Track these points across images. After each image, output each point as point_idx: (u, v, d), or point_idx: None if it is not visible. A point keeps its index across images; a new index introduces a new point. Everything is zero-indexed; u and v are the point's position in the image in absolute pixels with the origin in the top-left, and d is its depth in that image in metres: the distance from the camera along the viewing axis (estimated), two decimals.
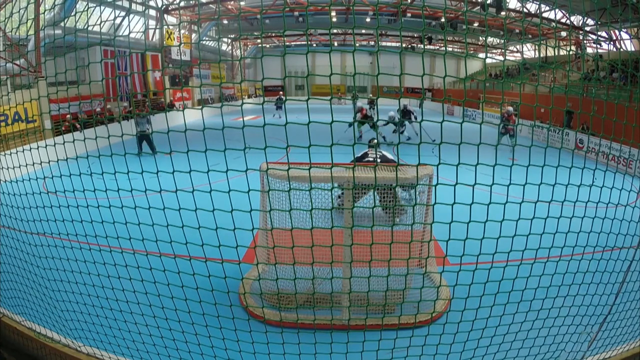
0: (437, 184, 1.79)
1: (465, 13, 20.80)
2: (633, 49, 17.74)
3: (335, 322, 3.44)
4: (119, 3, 17.09)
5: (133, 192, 1.98)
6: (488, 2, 16.71)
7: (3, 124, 10.15)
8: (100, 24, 14.01)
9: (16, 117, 10.76)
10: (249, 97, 31.91)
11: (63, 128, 11.48)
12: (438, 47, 30.28)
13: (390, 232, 2.04)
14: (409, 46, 29.85)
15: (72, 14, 12.59)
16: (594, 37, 18.66)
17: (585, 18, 17.77)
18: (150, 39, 20.85)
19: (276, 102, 20.74)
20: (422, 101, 29.10)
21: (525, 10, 20.07)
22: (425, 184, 3.88)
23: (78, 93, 12.16)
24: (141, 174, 1.89)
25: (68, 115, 11.65)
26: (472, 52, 32.57)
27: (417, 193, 3.91)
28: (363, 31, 28.96)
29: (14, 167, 2.34)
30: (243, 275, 3.93)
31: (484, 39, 27.07)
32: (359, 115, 12.02)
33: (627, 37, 17.59)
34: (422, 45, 28.32)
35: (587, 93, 14.46)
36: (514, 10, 20.87)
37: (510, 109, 12.05)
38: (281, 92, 23.98)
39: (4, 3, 9.68)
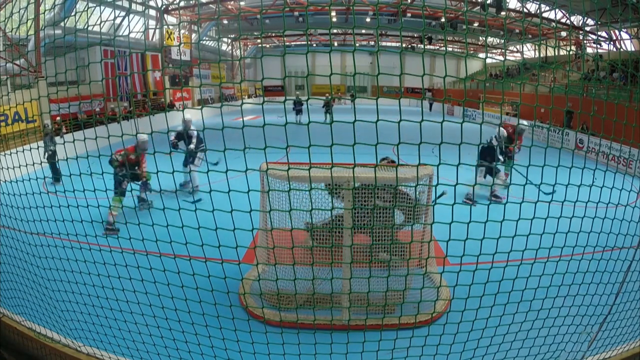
0: (437, 184, 1.79)
1: (465, 13, 20.81)
2: (633, 49, 17.75)
3: (335, 323, 3.43)
4: (119, 3, 17.10)
5: (133, 193, 1.98)
6: (488, 2, 16.72)
7: (3, 124, 10.16)
8: (100, 24, 14.01)
9: (16, 117, 10.77)
10: (249, 97, 31.92)
11: (53, 131, 11.29)
12: (438, 47, 30.29)
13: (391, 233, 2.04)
14: (409, 46, 29.86)
15: (72, 14, 12.60)
16: (594, 37, 18.66)
17: (585, 18, 17.77)
18: (150, 39, 20.86)
19: (295, 105, 17.36)
20: (431, 102, 29.13)
21: (525, 10, 20.08)
22: (426, 184, 3.88)
23: (78, 93, 12.15)
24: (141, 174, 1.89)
25: (58, 118, 11.58)
26: (472, 52, 32.58)
27: (417, 193, 3.91)
28: (363, 31, 28.97)
29: (14, 167, 2.34)
30: (243, 275, 3.93)
31: (484, 39, 27.08)
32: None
33: (627, 37, 17.59)
34: (422, 45, 28.33)
35: (587, 93, 14.47)
36: (514, 10, 20.88)
37: (525, 124, 8.22)
38: (297, 93, 22.67)
39: (4, 3, 9.68)
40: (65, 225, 2.43)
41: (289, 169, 1.86)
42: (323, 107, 18.13)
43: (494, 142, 6.84)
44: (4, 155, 2.82)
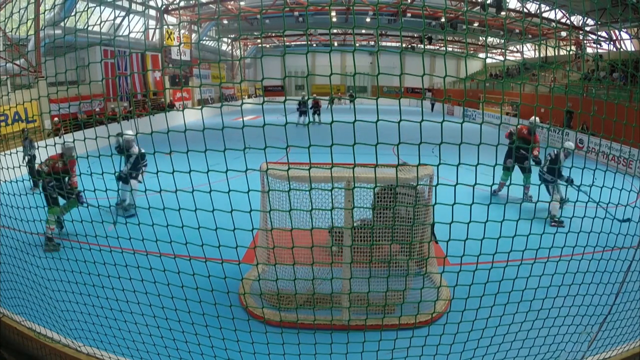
0: (438, 184, 1.79)
1: (465, 13, 20.81)
2: (633, 49, 17.75)
3: (335, 323, 3.43)
4: (119, 3, 17.10)
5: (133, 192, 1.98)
6: (488, 2, 16.71)
7: (3, 124, 10.16)
8: (100, 24, 14.01)
9: (16, 117, 10.78)
10: (249, 97, 31.93)
11: (53, 131, 11.21)
12: (438, 47, 30.29)
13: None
14: (409, 46, 29.86)
15: (72, 14, 12.60)
16: (594, 37, 18.66)
17: (585, 18, 17.77)
18: (150, 39, 20.85)
19: (299, 105, 16.94)
20: (433, 103, 29.08)
21: (525, 10, 20.08)
22: (426, 184, 3.88)
23: (78, 93, 12.15)
24: (141, 174, 1.89)
25: (56, 119, 11.55)
26: (472, 52, 32.58)
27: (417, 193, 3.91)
28: (363, 31, 28.97)
29: (14, 167, 2.34)
30: (243, 275, 3.93)
31: (484, 39, 27.08)
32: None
33: (627, 37, 17.60)
34: (422, 45, 28.33)
35: (587, 93, 14.47)
36: (514, 10, 20.88)
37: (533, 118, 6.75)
38: (303, 94, 22.00)
39: (4, 3, 9.68)
40: (65, 225, 2.43)
41: (289, 169, 1.86)
42: (311, 108, 17.34)
43: (562, 156, 5.90)
44: (4, 155, 2.82)
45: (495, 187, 6.57)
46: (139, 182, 6.23)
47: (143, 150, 6.43)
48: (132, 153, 6.29)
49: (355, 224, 3.79)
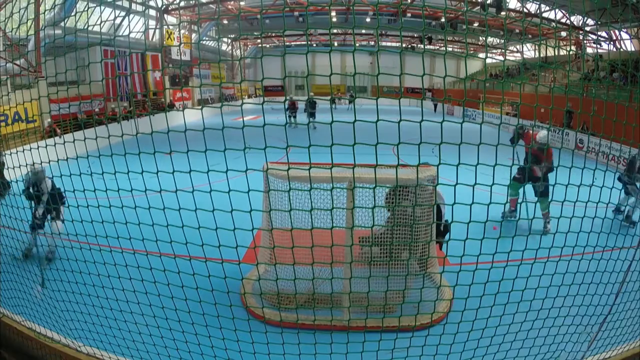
0: (437, 184, 1.79)
1: (465, 13, 20.81)
2: (633, 49, 17.75)
3: (336, 323, 3.43)
4: (119, 3, 17.10)
5: (133, 192, 1.98)
6: (488, 2, 16.72)
7: (3, 124, 10.15)
8: (100, 24, 14.01)
9: (16, 117, 10.78)
10: (249, 97, 31.96)
11: (45, 132, 11.09)
12: (438, 47, 30.29)
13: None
14: (409, 46, 29.86)
15: (72, 14, 12.59)
16: (594, 37, 18.66)
17: (585, 18, 17.77)
18: (150, 39, 20.85)
19: (306, 107, 16.36)
20: (435, 103, 28.97)
21: (525, 10, 20.08)
22: (430, 185, 3.87)
23: (78, 93, 12.14)
24: (141, 174, 1.89)
25: (50, 120, 11.52)
26: (472, 52, 32.57)
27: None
28: (363, 31, 28.98)
29: (13, 167, 2.34)
30: (243, 275, 3.93)
31: (484, 39, 27.08)
32: None
33: (627, 37, 17.60)
34: (422, 45, 28.33)
35: (587, 93, 14.46)
36: (514, 10, 20.89)
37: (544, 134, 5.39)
38: (312, 94, 21.29)
39: (4, 3, 9.67)
40: (65, 225, 2.43)
41: (289, 168, 1.86)
42: (287, 109, 16.39)
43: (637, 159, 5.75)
44: (4, 156, 2.82)
45: (487, 195, 6.44)
46: (62, 222, 4.30)
47: (61, 189, 4.48)
48: (42, 190, 4.43)
49: (380, 230, 3.82)
